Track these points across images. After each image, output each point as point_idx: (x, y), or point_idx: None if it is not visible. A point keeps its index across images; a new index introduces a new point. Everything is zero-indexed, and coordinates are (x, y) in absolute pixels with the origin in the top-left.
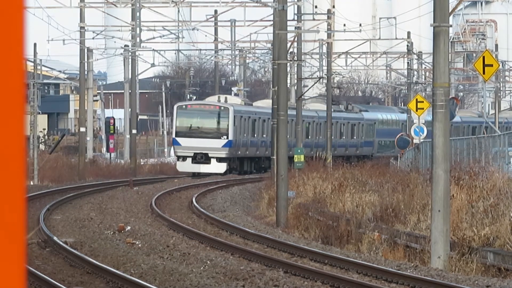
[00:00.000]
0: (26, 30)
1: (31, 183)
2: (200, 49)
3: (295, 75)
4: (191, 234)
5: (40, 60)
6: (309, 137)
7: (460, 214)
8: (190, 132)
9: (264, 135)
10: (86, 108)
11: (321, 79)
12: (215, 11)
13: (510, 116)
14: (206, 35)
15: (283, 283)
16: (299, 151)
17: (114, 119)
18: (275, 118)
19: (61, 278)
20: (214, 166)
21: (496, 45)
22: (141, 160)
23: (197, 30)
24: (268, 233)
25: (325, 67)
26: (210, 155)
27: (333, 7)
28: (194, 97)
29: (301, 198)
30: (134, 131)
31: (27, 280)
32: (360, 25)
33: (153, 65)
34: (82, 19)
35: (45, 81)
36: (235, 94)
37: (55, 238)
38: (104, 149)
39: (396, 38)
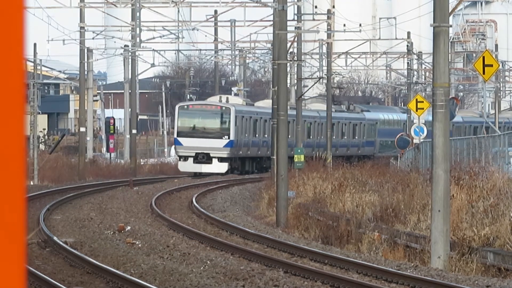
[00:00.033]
0: (26, 30)
1: (31, 183)
2: (200, 49)
3: (295, 75)
4: (191, 234)
5: (40, 60)
6: (311, 137)
7: (460, 214)
8: (192, 132)
9: (266, 135)
10: (86, 108)
11: (321, 79)
12: (215, 11)
13: (511, 116)
14: (206, 35)
15: (283, 283)
16: (299, 151)
17: (114, 119)
18: (275, 118)
19: (61, 278)
20: (215, 166)
21: (496, 45)
22: (141, 160)
23: (197, 30)
24: (268, 233)
25: (325, 67)
26: (211, 155)
27: (333, 7)
28: (194, 97)
29: (301, 198)
30: (134, 131)
31: (27, 280)
32: (360, 25)
33: (153, 65)
34: (82, 19)
35: (45, 81)
36: (235, 94)
37: (55, 238)
38: (104, 149)
39: (396, 38)
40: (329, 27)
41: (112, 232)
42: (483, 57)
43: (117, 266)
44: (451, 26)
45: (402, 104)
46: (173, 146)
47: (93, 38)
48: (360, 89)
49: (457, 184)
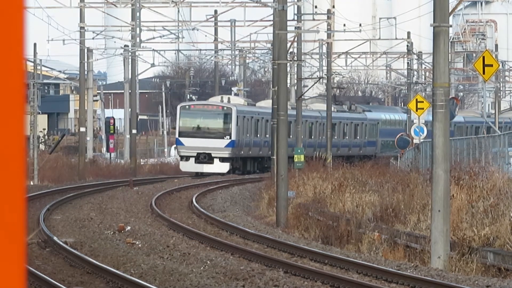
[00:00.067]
0: (26, 30)
1: (31, 183)
2: (200, 49)
3: (295, 75)
4: (191, 234)
5: (40, 60)
6: (312, 137)
7: (460, 214)
8: (193, 132)
9: (267, 135)
10: (86, 108)
11: (321, 79)
12: (215, 11)
13: None
14: (206, 35)
15: (283, 283)
16: (299, 151)
17: (114, 119)
18: (275, 118)
19: (61, 278)
20: (217, 166)
21: (496, 45)
22: (141, 160)
23: (197, 30)
24: (268, 233)
25: (325, 67)
26: (213, 155)
27: (333, 7)
28: (194, 97)
29: (301, 198)
30: (134, 131)
31: (27, 280)
32: (360, 25)
33: (153, 65)
34: (82, 19)
35: (45, 81)
36: (235, 94)
37: (55, 238)
38: (104, 149)
39: (396, 38)
40: (329, 27)
41: (112, 232)
42: (483, 57)
43: (117, 266)
44: (451, 26)
45: (402, 104)
46: (173, 146)
47: (93, 38)
48: (360, 89)
49: (457, 184)
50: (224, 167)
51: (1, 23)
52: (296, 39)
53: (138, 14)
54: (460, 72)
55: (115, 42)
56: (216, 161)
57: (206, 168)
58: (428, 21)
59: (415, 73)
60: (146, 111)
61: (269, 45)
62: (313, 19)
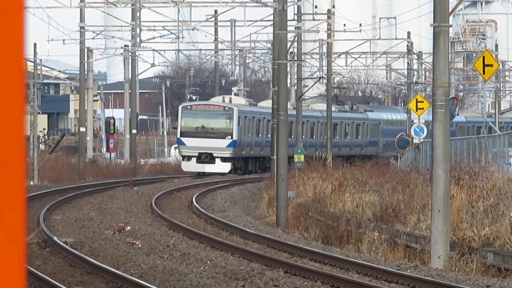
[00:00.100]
0: (26, 30)
1: (31, 183)
2: (200, 49)
3: (295, 75)
4: (191, 234)
5: (40, 60)
6: (314, 137)
7: (460, 214)
8: (195, 132)
9: (269, 135)
10: (86, 108)
11: (321, 79)
12: (215, 11)
13: None
14: (206, 35)
15: (283, 283)
16: (299, 151)
17: (114, 119)
18: (275, 118)
19: (61, 278)
20: (218, 166)
21: (496, 45)
22: (141, 160)
23: (197, 30)
24: (268, 233)
25: (325, 67)
26: (214, 155)
27: (333, 7)
28: (195, 97)
29: (301, 198)
30: (134, 131)
31: (27, 280)
32: (360, 25)
33: (153, 65)
34: (82, 19)
35: (45, 81)
36: (235, 94)
37: (55, 238)
38: (104, 149)
39: (396, 38)
40: (329, 27)
41: (112, 232)
42: (483, 57)
43: (117, 266)
44: (451, 26)
45: (402, 104)
46: (173, 146)
47: (93, 38)
48: (360, 89)
49: (457, 184)
50: (226, 167)
51: (1, 23)
52: (296, 39)
53: (138, 14)
54: (460, 72)
55: (115, 42)
56: (217, 161)
57: (207, 168)
58: (428, 21)
59: (415, 73)
60: (146, 111)
61: (269, 45)
62: (313, 19)
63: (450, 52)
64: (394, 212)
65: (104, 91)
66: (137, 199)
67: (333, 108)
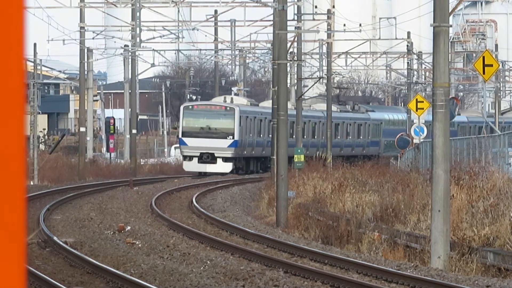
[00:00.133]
0: (26, 30)
1: (31, 183)
2: (200, 49)
3: (295, 75)
4: (191, 234)
5: (40, 60)
6: (315, 137)
7: (460, 214)
8: (197, 132)
9: (270, 135)
10: (86, 108)
11: (321, 79)
12: (215, 11)
13: None
14: (206, 35)
15: (283, 283)
16: (299, 151)
17: (114, 119)
18: (275, 118)
19: (61, 278)
20: (220, 166)
21: (496, 45)
22: (141, 160)
23: (197, 30)
24: (268, 233)
25: (325, 67)
26: (216, 155)
27: (333, 7)
28: (195, 97)
29: (301, 198)
30: (134, 131)
31: (27, 280)
32: (360, 25)
33: (153, 65)
34: (82, 19)
35: (45, 81)
36: (235, 94)
37: (55, 238)
38: (104, 149)
39: (396, 38)
40: (329, 27)
41: (112, 232)
42: (483, 57)
43: (117, 266)
44: (451, 26)
45: (402, 104)
46: (173, 146)
47: (93, 38)
48: (360, 89)
49: (457, 184)
50: (227, 167)
51: (1, 23)
52: (296, 39)
53: (138, 14)
54: (460, 72)
55: (115, 42)
56: (219, 161)
57: (209, 168)
58: (428, 21)
59: (415, 73)
60: (146, 111)
61: (269, 45)
62: (313, 19)
63: (450, 52)
64: (394, 212)
65: (104, 91)
66: (137, 199)
67: (335, 108)
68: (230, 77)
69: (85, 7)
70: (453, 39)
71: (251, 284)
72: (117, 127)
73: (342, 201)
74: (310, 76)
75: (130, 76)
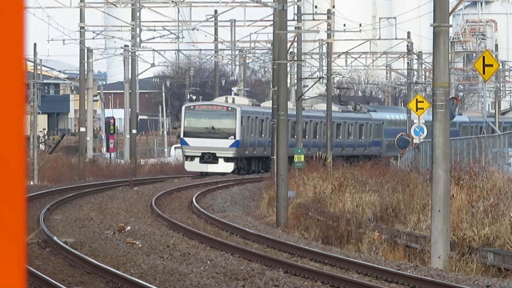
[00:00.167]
0: (26, 30)
1: (31, 183)
2: (200, 49)
3: (295, 75)
4: (191, 234)
5: (40, 60)
6: (317, 137)
7: (460, 214)
8: (198, 132)
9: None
10: (86, 108)
11: (321, 79)
12: (215, 11)
13: None
14: (206, 35)
15: (283, 283)
16: (299, 151)
17: (114, 119)
18: (275, 118)
19: (61, 278)
20: (221, 166)
21: (496, 45)
22: (141, 160)
23: (197, 30)
24: (268, 233)
25: (325, 67)
26: (217, 155)
27: (333, 7)
28: (195, 97)
29: (301, 198)
30: (134, 131)
31: (27, 280)
32: (360, 25)
33: (153, 65)
34: (82, 19)
35: (45, 81)
36: (235, 94)
37: (55, 238)
38: (104, 149)
39: (396, 38)
40: (329, 27)
41: (112, 232)
42: (483, 57)
43: (117, 266)
44: (451, 26)
45: (402, 104)
46: (173, 146)
47: (93, 38)
48: (360, 89)
49: (457, 184)
50: (229, 167)
51: (1, 23)
52: (296, 39)
53: (138, 14)
54: (460, 72)
55: (115, 42)
56: (220, 161)
57: (210, 168)
58: (428, 21)
59: (415, 73)
60: (146, 111)
61: (269, 45)
62: (313, 19)
63: (450, 52)
64: (394, 212)
65: (104, 91)
66: (137, 199)
67: (337, 108)
68: (230, 77)
69: (85, 7)
70: (453, 39)
71: (251, 284)
72: (117, 127)
73: (342, 201)
74: (310, 76)
75: (130, 76)
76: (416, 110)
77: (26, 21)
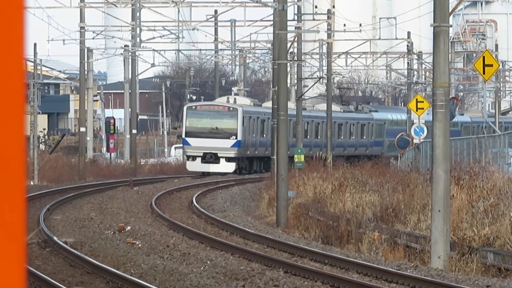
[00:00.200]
0: (26, 30)
1: (31, 183)
2: (200, 49)
3: (295, 75)
4: (191, 234)
5: (40, 60)
6: (318, 137)
7: (460, 214)
8: (200, 132)
9: None
10: (86, 108)
11: (321, 79)
12: (215, 11)
13: None
14: (206, 35)
15: (283, 283)
16: (299, 151)
17: (114, 119)
18: (275, 118)
19: (61, 278)
20: (223, 166)
21: (496, 45)
22: (141, 160)
23: (197, 30)
24: (268, 233)
25: (325, 67)
26: (219, 155)
27: (333, 7)
28: (195, 97)
29: (301, 198)
30: (134, 131)
31: (27, 280)
32: (360, 25)
33: (153, 65)
34: (82, 19)
35: (45, 81)
36: (235, 94)
37: (55, 238)
38: (104, 149)
39: (396, 38)
40: (329, 27)
41: (112, 232)
42: (483, 57)
43: (117, 266)
44: (451, 26)
45: (402, 104)
46: (173, 146)
47: (93, 38)
48: (360, 89)
49: (457, 184)
50: (230, 167)
51: (1, 23)
52: (296, 39)
53: (138, 14)
54: (460, 72)
55: (115, 42)
56: (222, 161)
57: (212, 168)
58: (428, 21)
59: (415, 73)
60: (146, 111)
61: (269, 45)
62: (313, 19)
63: (450, 52)
64: (394, 212)
65: (104, 91)
66: (137, 199)
67: (338, 109)
68: (230, 77)
69: (85, 7)
70: (453, 39)
71: (251, 284)
72: (117, 127)
73: (342, 201)
74: (310, 76)
75: (130, 76)
76: (416, 110)
77: (26, 21)
